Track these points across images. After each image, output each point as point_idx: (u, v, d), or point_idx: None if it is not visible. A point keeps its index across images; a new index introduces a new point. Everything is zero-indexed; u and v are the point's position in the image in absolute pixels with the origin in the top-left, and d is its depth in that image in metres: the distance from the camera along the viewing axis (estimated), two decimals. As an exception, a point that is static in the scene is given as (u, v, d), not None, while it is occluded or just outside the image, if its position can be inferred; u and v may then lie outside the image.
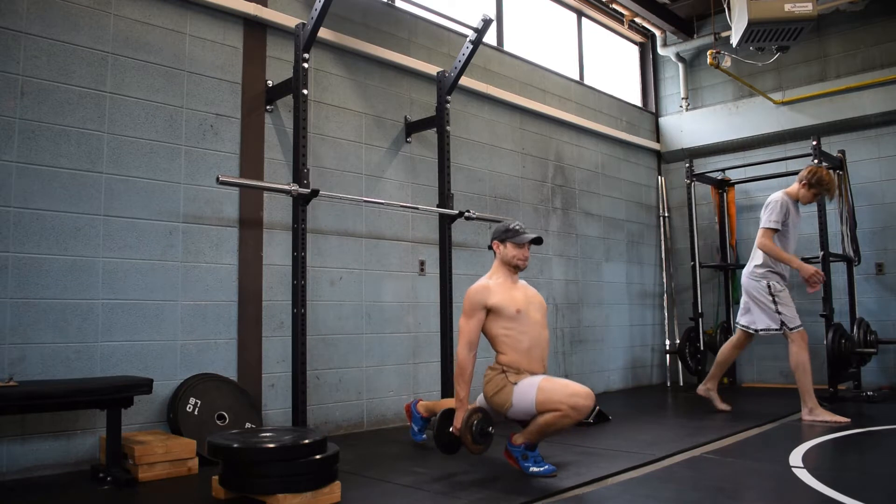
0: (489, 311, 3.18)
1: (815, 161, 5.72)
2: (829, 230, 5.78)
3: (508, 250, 3.30)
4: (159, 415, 3.59)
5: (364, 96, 4.79)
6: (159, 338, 3.65)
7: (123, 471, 3.06)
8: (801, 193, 4.68)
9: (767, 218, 4.58)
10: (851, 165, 6.31)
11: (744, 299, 4.81)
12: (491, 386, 3.18)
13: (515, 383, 3.09)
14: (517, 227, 3.32)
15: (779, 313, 4.56)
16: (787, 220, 4.59)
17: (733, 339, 4.99)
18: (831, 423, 4.34)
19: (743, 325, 4.83)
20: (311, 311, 4.17)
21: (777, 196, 4.65)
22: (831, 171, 4.86)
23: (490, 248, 3.41)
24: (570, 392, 2.98)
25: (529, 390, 3.04)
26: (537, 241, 3.31)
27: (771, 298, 4.58)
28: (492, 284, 3.24)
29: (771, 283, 4.58)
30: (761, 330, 4.67)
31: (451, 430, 3.19)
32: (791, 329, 4.54)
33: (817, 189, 4.64)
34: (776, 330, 4.60)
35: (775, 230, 4.54)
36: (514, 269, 3.32)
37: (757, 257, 4.66)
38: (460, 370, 3.14)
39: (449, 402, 3.72)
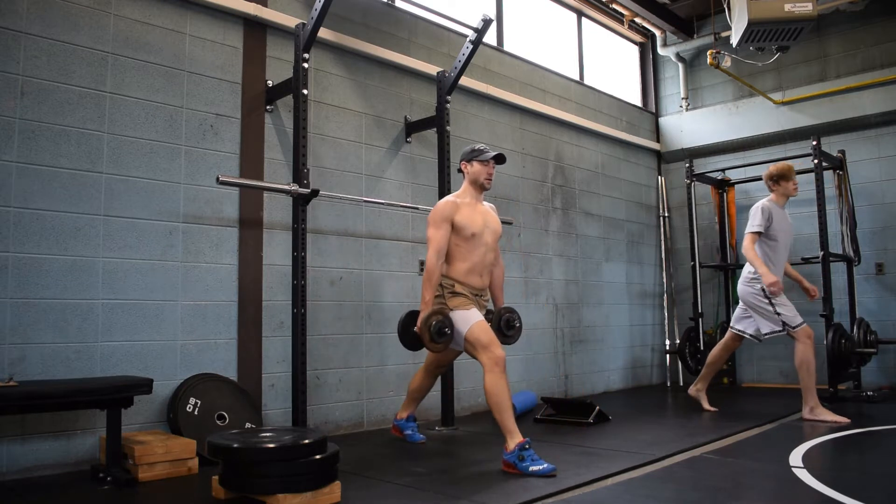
0: (452, 225, 3.52)
1: (815, 161, 5.73)
2: (829, 230, 5.78)
3: (475, 168, 3.62)
4: (159, 415, 3.59)
5: (364, 96, 4.79)
6: (159, 338, 3.65)
7: (123, 471, 3.06)
8: (780, 192, 4.76)
9: (750, 223, 4.68)
10: (851, 165, 6.31)
11: (741, 306, 4.83)
12: (436, 301, 3.51)
13: (452, 309, 3.44)
14: (482, 147, 3.66)
15: (778, 314, 4.57)
16: (773, 226, 4.64)
17: (723, 341, 5.02)
18: (831, 422, 4.35)
19: (738, 330, 4.86)
20: (311, 311, 4.17)
21: (759, 203, 4.73)
22: (781, 162, 5.01)
23: (459, 170, 3.71)
24: (489, 340, 3.33)
25: (463, 325, 3.39)
26: (499, 157, 3.63)
27: (767, 301, 4.60)
28: (459, 202, 3.57)
29: (764, 288, 4.60)
30: (766, 334, 4.67)
31: (414, 329, 3.47)
32: (794, 328, 4.55)
33: (784, 179, 4.73)
34: (780, 331, 4.61)
35: (758, 233, 4.62)
36: (480, 188, 3.64)
37: (749, 267, 4.71)
38: (428, 275, 3.45)
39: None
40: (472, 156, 3.64)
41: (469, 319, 3.41)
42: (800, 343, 4.54)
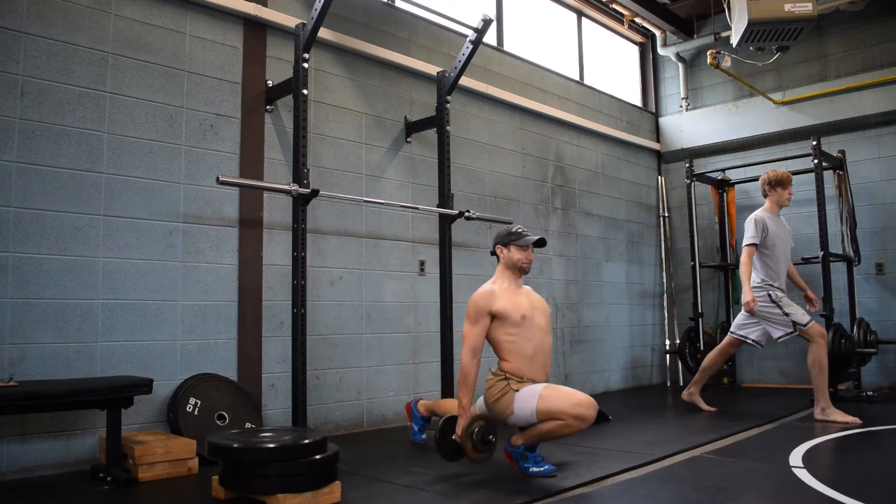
0: (494, 316, 3.14)
1: (815, 161, 5.73)
2: (829, 230, 5.78)
3: (513, 253, 3.26)
4: (159, 415, 3.59)
5: (364, 96, 4.79)
6: (159, 338, 3.65)
7: (123, 471, 3.06)
8: (774, 201, 4.77)
9: (745, 236, 4.69)
10: (851, 165, 6.31)
11: (746, 314, 4.76)
12: (492, 392, 3.14)
13: (517, 391, 3.06)
14: (520, 230, 3.30)
15: (787, 315, 4.57)
16: (768, 236, 4.64)
17: (721, 346, 5.02)
18: (842, 423, 4.36)
19: (740, 335, 4.85)
20: (311, 311, 4.17)
21: (752, 215, 4.75)
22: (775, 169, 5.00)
23: (493, 252, 3.36)
24: (574, 402, 2.96)
25: (530, 398, 3.01)
26: (540, 242, 3.29)
27: (775, 305, 4.60)
28: (496, 289, 3.20)
29: (770, 292, 4.62)
30: (780, 338, 4.64)
31: (452, 437, 3.15)
32: (804, 326, 4.54)
33: (781, 186, 4.75)
34: (792, 332, 4.58)
35: (753, 245, 4.63)
36: (519, 272, 3.29)
37: (752, 277, 4.69)
38: (463, 377, 3.10)
39: (450, 403, 3.72)
40: (508, 239, 3.27)
41: (534, 391, 3.03)
42: (813, 343, 4.54)
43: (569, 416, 2.93)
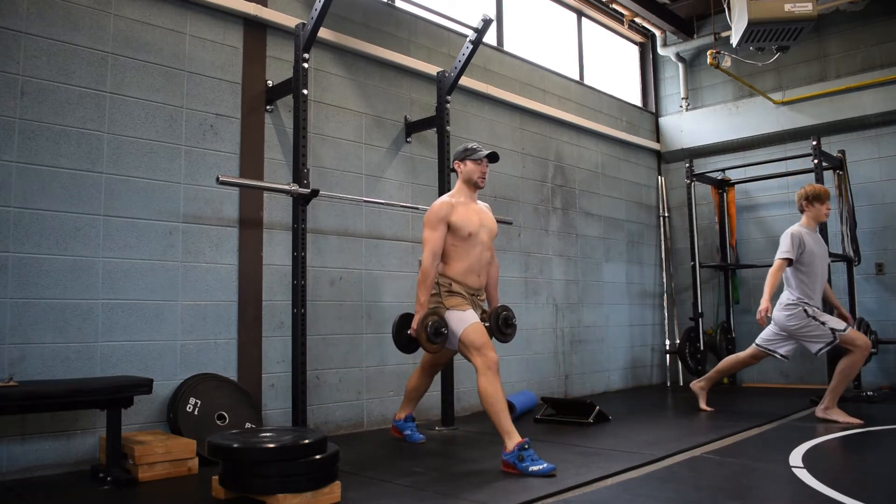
0: (448, 225, 3.52)
1: (815, 161, 5.73)
2: (829, 230, 5.78)
3: (468, 167, 3.62)
4: (159, 415, 3.59)
5: (364, 96, 4.79)
6: (159, 338, 3.65)
7: (123, 471, 3.06)
8: (811, 216, 4.64)
9: (780, 249, 4.53)
10: (851, 165, 6.31)
11: (776, 330, 4.65)
12: (433, 300, 3.52)
13: (448, 309, 3.46)
14: (474, 146, 3.65)
15: (823, 324, 4.45)
16: (805, 253, 4.49)
17: (743, 357, 4.88)
18: (843, 423, 4.35)
19: (769, 349, 4.70)
20: (311, 311, 4.17)
21: (788, 229, 4.59)
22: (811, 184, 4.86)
23: (452, 169, 3.76)
24: (482, 343, 3.34)
25: (458, 326, 3.39)
26: (493, 156, 3.63)
27: (812, 318, 4.46)
28: (454, 202, 3.57)
29: (806, 308, 4.48)
30: (819, 351, 4.51)
31: (408, 331, 3.49)
32: (843, 331, 4.41)
33: (819, 202, 4.61)
34: (833, 342, 4.42)
35: (786, 259, 4.47)
36: (474, 186, 3.64)
37: (786, 295, 4.59)
38: (423, 276, 3.45)
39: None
40: (464, 154, 3.64)
41: (464, 320, 3.41)
42: (855, 350, 4.39)
43: (476, 359, 3.32)
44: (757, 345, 4.79)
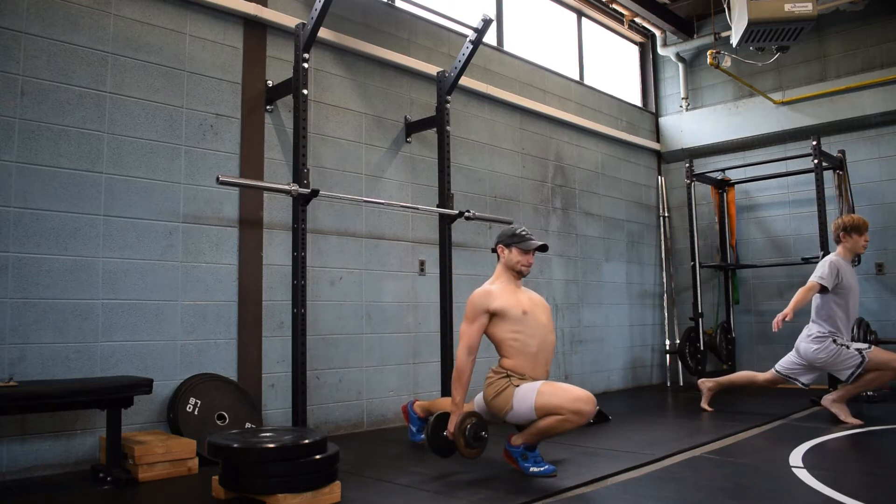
0: (493, 315, 3.15)
1: (815, 161, 5.73)
2: (829, 230, 5.78)
3: (513, 255, 3.27)
4: (159, 415, 3.59)
5: (364, 96, 4.79)
6: (159, 338, 3.65)
7: (123, 471, 3.06)
8: (848, 247, 4.56)
9: (817, 273, 4.47)
10: (851, 165, 6.31)
11: (799, 360, 4.60)
12: (493, 388, 3.15)
13: (518, 386, 3.08)
14: (523, 233, 3.30)
15: (848, 347, 4.41)
16: (842, 283, 4.42)
17: (762, 379, 4.82)
18: (843, 421, 4.36)
19: (789, 377, 4.65)
20: (311, 311, 4.17)
21: (828, 258, 4.52)
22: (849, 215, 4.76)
23: (494, 251, 3.37)
24: (573, 397, 2.96)
25: (529, 394, 3.02)
26: (543, 248, 3.30)
27: (840, 345, 4.41)
28: (494, 289, 3.21)
29: (836, 338, 4.43)
30: (850, 377, 4.42)
31: (444, 433, 3.16)
32: (869, 349, 4.38)
33: (857, 233, 4.55)
34: (862, 362, 4.34)
35: (821, 286, 4.40)
36: (518, 274, 3.30)
37: (815, 328, 4.52)
38: (458, 374, 3.11)
39: (445, 402, 3.71)
40: (511, 241, 3.28)
41: (534, 387, 3.05)
42: (888, 371, 4.32)
43: (567, 411, 2.93)
44: (777, 371, 4.73)
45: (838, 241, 4.62)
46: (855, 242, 4.56)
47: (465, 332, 3.14)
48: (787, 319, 4.31)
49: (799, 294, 4.40)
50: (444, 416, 3.22)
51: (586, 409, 2.95)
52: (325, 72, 4.58)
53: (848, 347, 4.41)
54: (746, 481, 2.98)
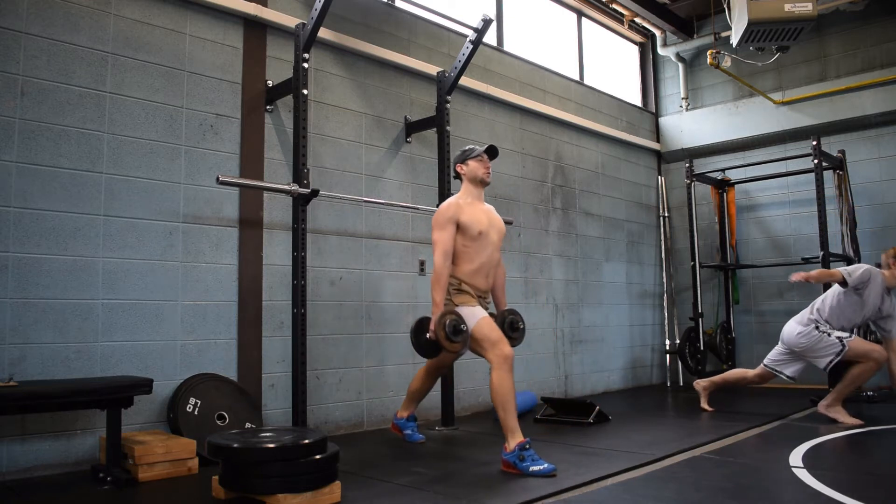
0: (458, 226, 3.51)
1: (815, 161, 5.73)
2: (829, 230, 5.78)
3: (473, 167, 3.62)
4: (159, 415, 3.59)
5: (364, 96, 4.79)
6: (159, 338, 3.65)
7: (123, 471, 3.06)
8: (891, 275, 4.51)
9: (850, 267, 4.48)
10: (851, 165, 6.31)
11: (784, 350, 4.66)
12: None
13: (458, 305, 3.45)
14: (471, 147, 3.68)
15: (829, 335, 4.44)
16: (867, 294, 4.41)
17: (752, 375, 4.89)
18: (842, 422, 4.36)
19: (776, 371, 4.71)
20: (311, 310, 4.17)
21: (870, 266, 4.50)
22: None
23: (455, 175, 3.72)
24: (495, 340, 3.34)
25: (470, 321, 3.38)
26: (491, 149, 3.65)
27: (822, 333, 4.45)
28: (462, 203, 3.56)
29: (819, 326, 4.48)
30: (827, 366, 4.46)
31: (427, 335, 3.41)
32: (850, 338, 4.40)
33: None
34: (841, 350, 4.38)
35: (845, 282, 4.39)
36: (481, 183, 3.64)
37: (806, 315, 4.57)
38: (436, 277, 3.42)
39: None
40: (464, 156, 3.66)
41: (475, 315, 3.40)
42: (871, 363, 4.35)
43: (491, 354, 3.32)
44: (765, 365, 4.81)
45: (889, 267, 4.56)
46: None
47: (440, 239, 3.47)
48: (805, 280, 4.40)
49: (822, 272, 4.49)
50: (426, 319, 3.52)
51: (507, 350, 3.33)
52: (325, 72, 4.58)
53: (829, 335, 4.44)
54: (746, 481, 2.98)
